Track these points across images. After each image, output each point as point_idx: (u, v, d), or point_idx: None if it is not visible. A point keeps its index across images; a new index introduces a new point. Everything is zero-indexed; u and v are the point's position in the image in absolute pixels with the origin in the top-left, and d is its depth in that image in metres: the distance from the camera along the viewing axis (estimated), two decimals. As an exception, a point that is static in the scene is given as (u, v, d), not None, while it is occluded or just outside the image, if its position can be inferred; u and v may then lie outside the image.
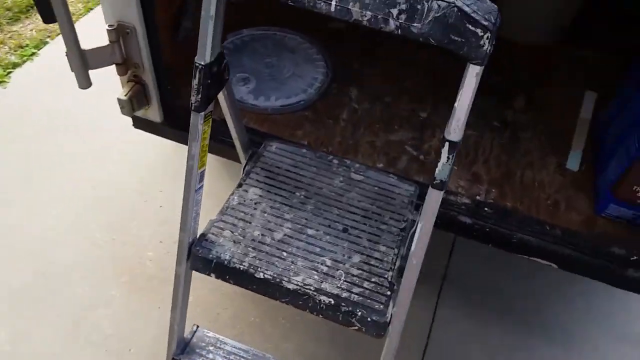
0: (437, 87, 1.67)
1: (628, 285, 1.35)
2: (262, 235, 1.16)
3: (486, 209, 1.37)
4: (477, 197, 1.38)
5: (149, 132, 1.52)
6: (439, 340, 1.62)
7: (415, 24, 0.75)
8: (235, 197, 1.22)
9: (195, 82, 0.91)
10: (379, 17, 0.76)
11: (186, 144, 0.99)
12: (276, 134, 1.45)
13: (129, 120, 1.49)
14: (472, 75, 0.77)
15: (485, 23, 0.73)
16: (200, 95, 0.92)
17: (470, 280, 1.76)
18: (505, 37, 1.41)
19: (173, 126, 1.49)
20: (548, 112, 1.66)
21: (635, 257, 1.31)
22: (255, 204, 1.22)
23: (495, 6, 0.75)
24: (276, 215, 1.20)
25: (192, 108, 0.94)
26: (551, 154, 1.53)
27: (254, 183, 1.26)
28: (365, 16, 0.76)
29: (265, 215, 1.20)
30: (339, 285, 1.10)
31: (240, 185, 1.25)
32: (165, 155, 2.01)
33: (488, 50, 0.74)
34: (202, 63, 0.89)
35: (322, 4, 0.77)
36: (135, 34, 1.21)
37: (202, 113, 0.95)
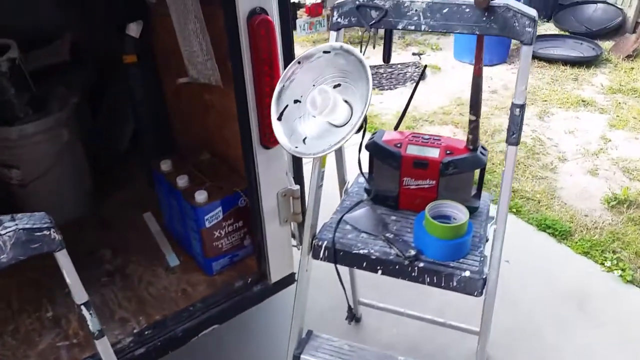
0: (33, 290, 1.85)
1: (261, 298, 1.88)
2: None
3: (146, 332, 1.66)
4: (135, 330, 1.66)
5: None
6: None
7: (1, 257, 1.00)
8: None
9: None
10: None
11: None
12: None
13: None
14: (62, 258, 1.08)
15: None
16: None
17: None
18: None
19: None
20: (133, 245, 2.07)
21: (250, 279, 1.85)
22: None
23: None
24: None
25: None
26: (157, 266, 1.94)
27: None
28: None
29: None
30: None
31: None
32: None
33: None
34: None
35: None
36: None
37: None
